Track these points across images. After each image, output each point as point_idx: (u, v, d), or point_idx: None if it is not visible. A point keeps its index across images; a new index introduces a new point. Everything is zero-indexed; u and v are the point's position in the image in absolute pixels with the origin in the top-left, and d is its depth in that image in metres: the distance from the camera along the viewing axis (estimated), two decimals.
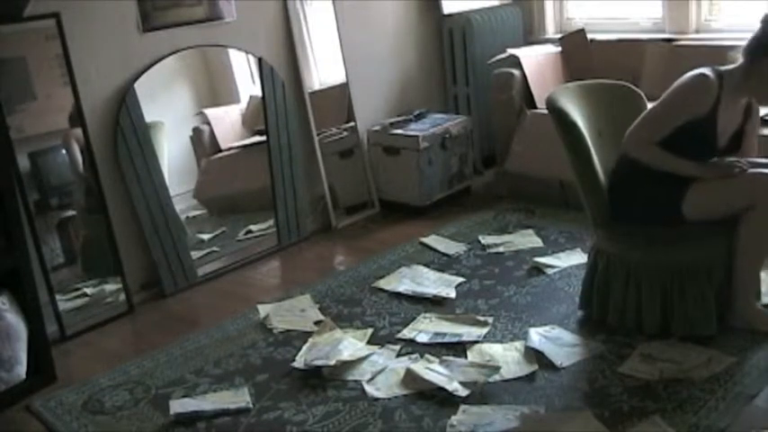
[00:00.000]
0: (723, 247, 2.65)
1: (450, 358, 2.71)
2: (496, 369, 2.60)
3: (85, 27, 3.27)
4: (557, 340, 2.77)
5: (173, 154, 3.74)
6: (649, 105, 2.82)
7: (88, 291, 3.39)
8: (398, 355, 2.81)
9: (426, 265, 3.55)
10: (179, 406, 2.58)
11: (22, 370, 2.76)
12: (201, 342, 3.07)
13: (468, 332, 2.89)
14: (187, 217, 3.87)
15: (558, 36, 4.70)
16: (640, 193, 2.70)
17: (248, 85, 4.05)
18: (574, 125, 2.70)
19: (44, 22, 3.12)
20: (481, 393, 2.50)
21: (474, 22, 4.60)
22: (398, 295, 3.29)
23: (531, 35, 4.95)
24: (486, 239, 3.78)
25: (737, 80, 2.61)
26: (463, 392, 2.48)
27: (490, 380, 2.55)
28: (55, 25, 3.14)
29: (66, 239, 3.32)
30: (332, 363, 2.72)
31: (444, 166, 4.33)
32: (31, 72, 3.13)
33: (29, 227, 3.07)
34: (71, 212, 3.35)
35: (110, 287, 3.44)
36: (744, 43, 2.64)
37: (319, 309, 3.24)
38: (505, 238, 3.78)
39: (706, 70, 2.62)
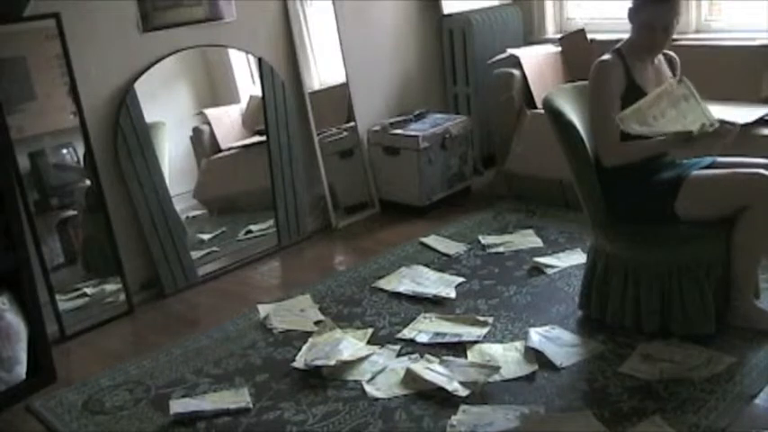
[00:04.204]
0: (721, 245, 2.65)
1: (451, 358, 2.71)
2: (496, 369, 2.60)
3: (85, 27, 3.27)
4: (557, 340, 2.77)
5: (173, 154, 3.74)
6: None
7: (88, 291, 3.39)
8: (398, 355, 2.81)
9: (426, 265, 3.55)
10: (179, 406, 2.58)
11: (22, 370, 2.76)
12: (201, 342, 3.07)
13: (468, 332, 2.89)
14: (187, 217, 3.87)
15: (558, 36, 4.70)
16: (633, 197, 2.71)
17: (248, 85, 4.05)
18: (571, 125, 2.71)
19: (44, 22, 3.12)
20: (481, 393, 2.50)
21: (474, 22, 4.60)
22: (398, 295, 3.29)
23: (531, 35, 4.95)
24: (486, 239, 3.78)
25: (632, 45, 2.76)
26: (463, 392, 2.48)
27: (490, 380, 2.55)
28: (55, 25, 3.14)
29: (67, 239, 3.32)
30: (332, 363, 2.72)
31: (444, 166, 4.33)
32: (31, 72, 3.13)
33: (29, 227, 3.07)
34: (71, 212, 3.35)
35: (110, 287, 3.44)
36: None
37: (319, 309, 3.24)
38: (505, 238, 3.78)
39: (602, 56, 2.78)
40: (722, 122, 2.65)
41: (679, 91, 2.67)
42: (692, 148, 2.65)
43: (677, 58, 2.93)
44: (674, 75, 2.88)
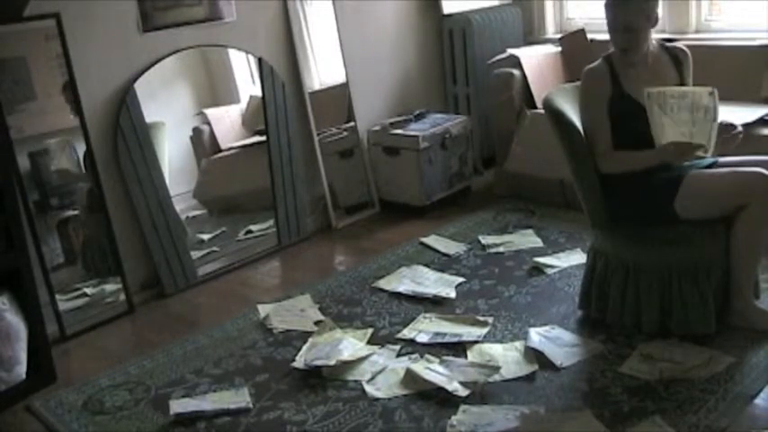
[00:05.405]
0: (721, 245, 2.65)
1: (450, 358, 2.71)
2: (496, 369, 2.60)
3: (85, 27, 3.27)
4: (557, 340, 2.77)
5: (173, 154, 3.74)
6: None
7: (88, 291, 3.39)
8: (398, 355, 2.81)
9: (426, 265, 3.55)
10: (179, 406, 2.58)
11: (22, 370, 2.76)
12: (201, 342, 3.07)
13: (468, 332, 2.89)
14: (187, 217, 3.87)
15: (558, 36, 4.71)
16: (633, 197, 2.71)
17: (248, 85, 4.05)
18: (571, 126, 2.71)
19: (44, 22, 3.12)
20: (481, 393, 2.50)
21: (474, 22, 4.60)
22: (398, 295, 3.29)
23: (531, 35, 4.95)
24: (486, 239, 3.78)
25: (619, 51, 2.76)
26: (463, 392, 2.48)
27: (490, 380, 2.55)
28: (55, 25, 3.14)
29: (66, 239, 3.32)
30: (332, 363, 2.72)
31: (444, 166, 4.33)
32: (31, 72, 3.13)
33: (29, 227, 3.07)
34: (71, 212, 3.35)
35: (110, 287, 3.44)
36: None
37: (319, 309, 3.24)
38: (505, 238, 3.78)
39: (591, 63, 2.80)
40: (726, 126, 2.65)
41: (705, 100, 2.59)
42: (684, 160, 2.64)
43: (686, 53, 2.85)
44: (682, 72, 2.83)
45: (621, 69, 2.74)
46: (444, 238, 3.88)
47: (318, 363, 2.73)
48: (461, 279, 3.37)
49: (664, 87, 2.62)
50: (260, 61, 3.90)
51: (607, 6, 2.70)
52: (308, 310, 3.24)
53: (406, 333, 2.95)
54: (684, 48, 2.88)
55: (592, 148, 2.73)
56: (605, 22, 2.73)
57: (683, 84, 2.85)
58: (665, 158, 2.62)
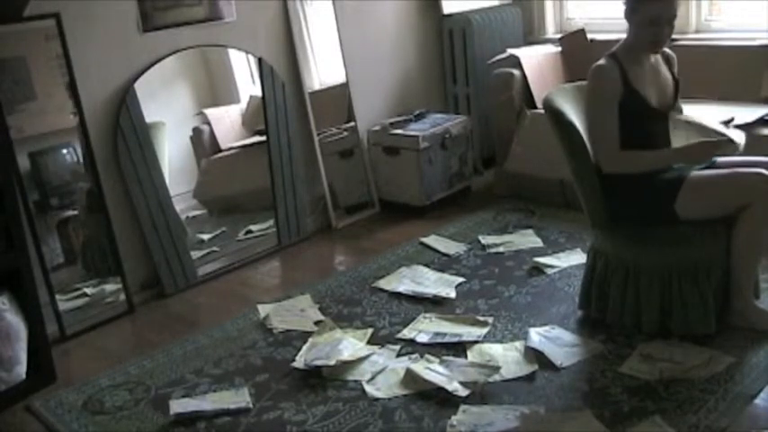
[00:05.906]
0: (721, 245, 2.65)
1: (451, 358, 2.71)
2: (496, 369, 2.60)
3: (85, 27, 3.27)
4: (557, 340, 2.77)
5: (173, 154, 3.74)
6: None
7: (88, 291, 3.39)
8: (398, 355, 2.81)
9: (426, 265, 3.55)
10: (179, 406, 2.58)
11: (22, 370, 2.76)
12: (201, 342, 3.07)
13: (468, 332, 2.89)
14: (187, 217, 3.87)
15: (558, 36, 4.71)
16: (633, 198, 2.71)
17: (248, 85, 4.05)
18: (571, 125, 2.70)
19: (44, 22, 3.12)
20: (481, 393, 2.50)
21: (474, 22, 4.60)
22: (398, 295, 3.29)
23: (531, 35, 4.95)
24: (486, 239, 3.78)
25: (628, 46, 2.74)
26: (463, 392, 2.48)
27: (490, 380, 2.55)
28: (55, 25, 3.14)
29: (66, 239, 3.32)
30: (332, 363, 2.72)
31: (444, 166, 4.33)
32: (31, 72, 3.13)
33: (29, 227, 3.07)
34: (71, 212, 3.35)
35: (110, 287, 3.44)
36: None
37: (319, 309, 3.24)
38: (505, 238, 3.78)
39: (599, 61, 2.76)
40: (727, 141, 2.66)
41: (713, 135, 2.72)
42: (711, 157, 2.69)
43: (674, 56, 2.92)
44: (673, 73, 2.87)
45: (629, 67, 2.72)
46: (444, 238, 3.88)
47: (318, 363, 2.73)
48: (461, 279, 3.37)
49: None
50: (260, 61, 3.90)
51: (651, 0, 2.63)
52: (308, 310, 3.24)
53: (406, 333, 2.95)
54: (670, 51, 2.93)
55: (597, 147, 2.71)
56: (640, 16, 2.65)
57: (677, 83, 2.87)
58: (688, 158, 2.63)
